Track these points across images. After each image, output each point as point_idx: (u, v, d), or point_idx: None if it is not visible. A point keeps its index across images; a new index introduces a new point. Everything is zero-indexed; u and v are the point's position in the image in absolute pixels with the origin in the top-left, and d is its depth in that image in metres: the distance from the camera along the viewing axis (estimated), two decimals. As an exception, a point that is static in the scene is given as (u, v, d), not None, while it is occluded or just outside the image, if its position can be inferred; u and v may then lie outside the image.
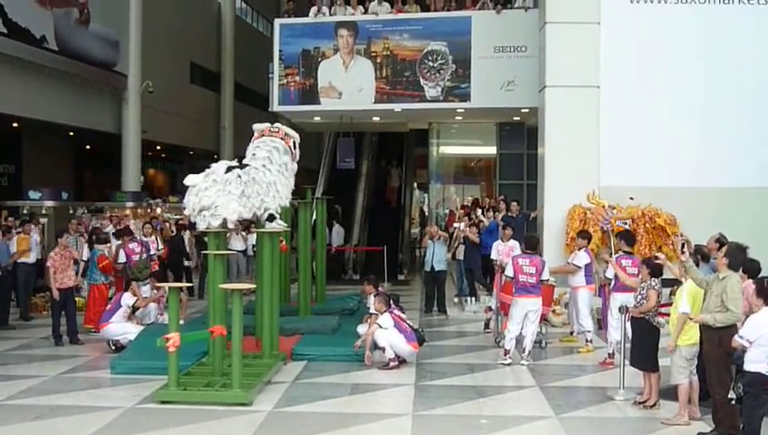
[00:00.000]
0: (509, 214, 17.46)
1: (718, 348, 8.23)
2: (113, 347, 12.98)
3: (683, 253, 9.13)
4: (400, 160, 28.04)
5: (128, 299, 13.35)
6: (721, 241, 10.63)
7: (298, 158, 12.37)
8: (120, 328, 13.05)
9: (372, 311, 12.42)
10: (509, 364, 11.92)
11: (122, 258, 15.10)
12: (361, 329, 12.68)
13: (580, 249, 13.27)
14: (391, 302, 12.35)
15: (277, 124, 12.49)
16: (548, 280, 12.52)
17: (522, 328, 12.10)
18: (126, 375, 11.15)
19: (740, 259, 8.58)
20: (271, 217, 11.64)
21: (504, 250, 14.64)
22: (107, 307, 13.68)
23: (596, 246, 14.93)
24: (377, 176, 27.43)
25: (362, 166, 26.41)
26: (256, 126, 12.45)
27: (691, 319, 8.67)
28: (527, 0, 19.82)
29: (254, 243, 15.38)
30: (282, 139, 12.08)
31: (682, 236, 13.71)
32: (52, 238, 19.23)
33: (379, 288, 13.28)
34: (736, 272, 8.46)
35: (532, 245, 12.77)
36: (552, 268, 13.30)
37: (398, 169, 27.63)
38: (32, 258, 16.22)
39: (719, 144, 16.40)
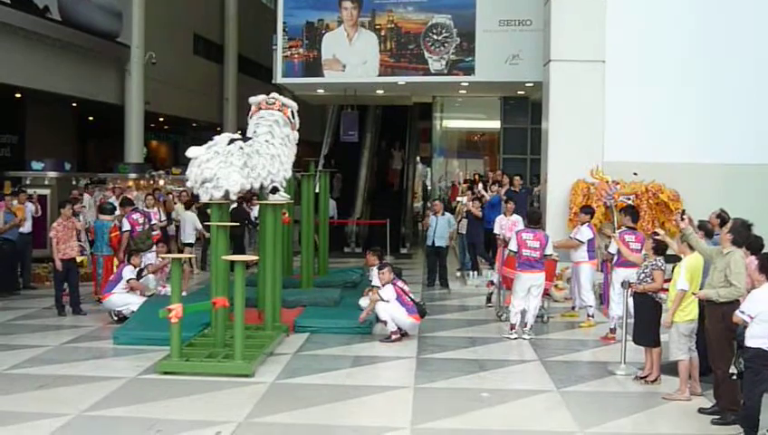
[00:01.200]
0: (512, 188, 17.45)
1: (721, 323, 8.24)
2: (116, 318, 13.02)
3: (682, 220, 9.15)
4: (403, 139, 27.86)
5: (128, 272, 13.35)
6: (722, 217, 10.63)
7: (298, 126, 12.35)
8: (122, 299, 13.08)
9: (374, 283, 12.46)
10: (515, 339, 11.94)
11: (126, 226, 15.07)
12: (363, 302, 12.72)
13: (582, 224, 13.25)
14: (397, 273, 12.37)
15: (273, 95, 12.43)
16: (552, 255, 12.51)
17: (525, 302, 12.11)
18: (128, 346, 11.19)
19: (744, 236, 8.58)
20: (274, 189, 11.63)
21: (507, 224, 14.61)
22: (111, 278, 13.74)
23: (599, 222, 14.92)
24: (379, 158, 27.27)
25: (366, 139, 26.34)
26: (252, 99, 12.41)
27: (695, 294, 8.69)
28: (533, -27, 19.69)
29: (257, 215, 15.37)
30: (279, 110, 12.05)
31: (684, 212, 13.69)
32: (55, 209, 19.25)
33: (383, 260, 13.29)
34: (740, 248, 8.46)
35: (535, 219, 12.74)
36: (555, 243, 13.29)
37: (400, 152, 27.44)
38: (27, 228, 16.22)
39: (723, 120, 16.30)
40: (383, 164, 27.58)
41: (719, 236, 9.43)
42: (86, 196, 19.90)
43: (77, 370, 10.08)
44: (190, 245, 18.16)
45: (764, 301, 7.51)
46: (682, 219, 9.22)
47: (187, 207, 18.50)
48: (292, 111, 12.18)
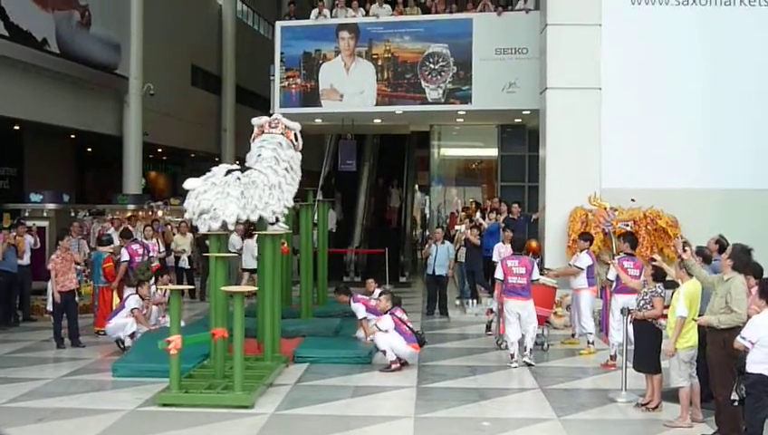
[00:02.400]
0: (510, 216, 17.46)
1: (722, 350, 8.22)
2: (122, 347, 12.97)
3: (684, 251, 9.16)
4: (401, 173, 27.73)
5: (133, 302, 13.35)
6: (721, 242, 10.61)
7: (301, 147, 12.36)
8: (121, 322, 13.08)
9: (361, 316, 12.52)
10: (516, 368, 11.90)
11: (125, 257, 15.09)
12: (360, 334, 12.81)
13: (581, 251, 13.25)
14: (397, 301, 12.36)
15: (276, 116, 12.47)
16: (538, 280, 12.49)
17: (519, 330, 12.06)
18: (127, 378, 11.15)
19: (744, 261, 8.58)
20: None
21: (506, 252, 14.61)
22: (117, 307, 13.76)
23: (597, 248, 14.93)
24: (376, 196, 27.09)
25: (364, 168, 26.39)
26: (255, 120, 12.44)
27: (696, 320, 8.67)
28: (528, 2, 19.82)
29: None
30: (282, 133, 12.07)
31: (681, 238, 13.72)
32: (54, 241, 19.22)
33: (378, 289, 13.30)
34: (741, 273, 8.46)
35: (518, 246, 12.75)
36: (556, 271, 13.29)
37: (398, 190, 27.21)
38: (26, 260, 16.21)
39: (721, 145, 16.39)
40: (381, 201, 27.37)
41: (718, 262, 9.43)
42: (112, 229, 19.71)
43: (76, 402, 10.04)
44: (253, 271, 17.79)
45: (765, 326, 7.50)
46: (684, 250, 9.23)
47: (249, 236, 18.08)
48: (295, 134, 12.19)
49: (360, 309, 12.66)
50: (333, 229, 23.87)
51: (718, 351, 8.30)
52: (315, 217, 17.40)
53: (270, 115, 21.50)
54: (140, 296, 13.52)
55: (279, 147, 11.85)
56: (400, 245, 24.61)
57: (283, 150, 11.87)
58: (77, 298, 14.40)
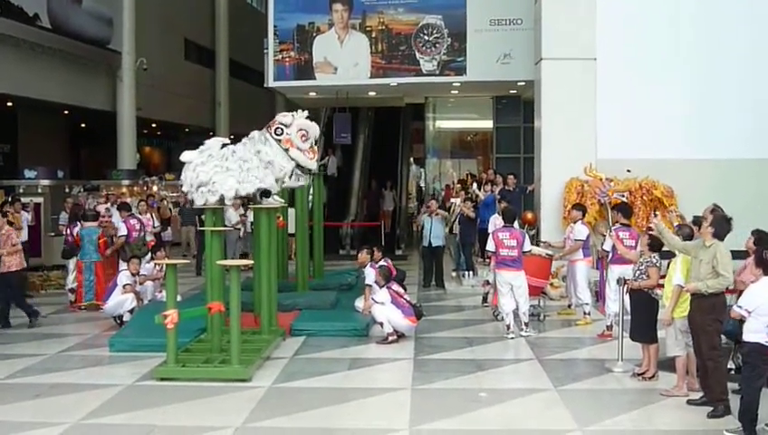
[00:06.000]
0: (506, 187, 17.44)
1: (711, 315, 8.26)
2: (119, 322, 12.97)
3: (655, 215, 9.19)
4: (396, 149, 27.55)
5: (124, 278, 13.31)
6: (715, 212, 10.60)
7: (303, 145, 11.60)
8: (119, 301, 13.06)
9: (367, 281, 12.50)
10: (512, 338, 11.93)
11: (123, 231, 15.04)
12: (359, 303, 12.79)
13: (574, 222, 13.20)
14: (391, 277, 12.32)
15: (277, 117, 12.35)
16: (530, 251, 12.51)
17: (513, 301, 12.10)
18: (124, 353, 11.15)
19: (725, 228, 8.59)
20: (267, 193, 11.54)
21: (501, 223, 14.60)
22: (109, 286, 13.72)
23: (593, 219, 14.93)
24: (368, 200, 26.43)
25: (359, 141, 26.32)
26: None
27: (682, 287, 8.67)
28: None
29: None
30: (266, 127, 11.65)
31: (676, 211, 13.73)
32: (48, 217, 19.22)
33: (383, 261, 13.26)
34: (722, 241, 8.47)
35: (509, 217, 12.72)
36: (563, 252, 13.27)
37: (392, 191, 26.32)
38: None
39: (717, 116, 16.36)
40: (374, 205, 26.76)
41: (701, 231, 9.45)
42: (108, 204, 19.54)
43: (73, 378, 10.05)
44: None
45: (762, 295, 7.51)
46: (655, 215, 9.28)
47: None
48: (277, 128, 11.47)
49: (371, 275, 12.60)
50: (335, 174, 23.89)
51: (706, 316, 8.32)
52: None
53: (264, 87, 21.56)
54: (131, 273, 13.47)
55: (250, 140, 11.44)
56: (396, 217, 24.56)
57: (254, 144, 11.35)
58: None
